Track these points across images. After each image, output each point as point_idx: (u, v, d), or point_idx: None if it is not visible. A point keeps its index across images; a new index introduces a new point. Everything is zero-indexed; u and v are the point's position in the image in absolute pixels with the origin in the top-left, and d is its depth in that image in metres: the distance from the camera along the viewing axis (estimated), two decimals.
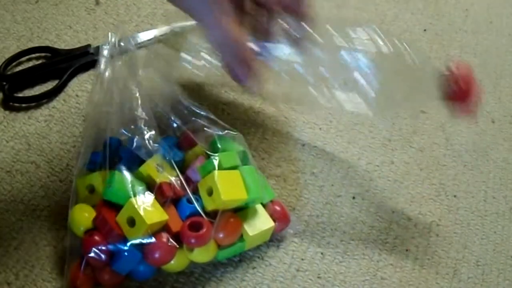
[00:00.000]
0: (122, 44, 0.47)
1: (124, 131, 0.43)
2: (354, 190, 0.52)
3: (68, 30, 0.61)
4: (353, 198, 0.51)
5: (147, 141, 0.43)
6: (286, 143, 0.54)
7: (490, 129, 0.60)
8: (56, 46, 0.58)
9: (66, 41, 0.60)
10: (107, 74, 0.46)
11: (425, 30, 0.69)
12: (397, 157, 0.55)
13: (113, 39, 0.47)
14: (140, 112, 0.44)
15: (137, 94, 0.45)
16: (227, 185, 0.41)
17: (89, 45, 0.58)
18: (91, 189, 0.43)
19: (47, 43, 0.59)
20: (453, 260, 0.49)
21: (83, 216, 0.41)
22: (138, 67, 0.47)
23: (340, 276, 0.46)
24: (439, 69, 0.48)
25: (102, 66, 0.47)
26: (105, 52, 0.47)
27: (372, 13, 0.69)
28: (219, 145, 0.45)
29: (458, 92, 0.47)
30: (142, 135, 0.43)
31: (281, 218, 0.46)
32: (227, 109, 0.55)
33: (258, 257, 0.46)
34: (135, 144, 0.43)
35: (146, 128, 0.44)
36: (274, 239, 0.47)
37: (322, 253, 0.47)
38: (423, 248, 0.49)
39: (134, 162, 0.43)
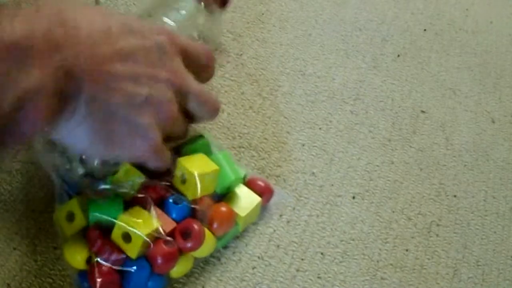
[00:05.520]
0: None
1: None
2: (354, 190, 0.52)
3: None
4: (353, 198, 0.51)
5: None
6: (286, 143, 0.54)
7: (490, 129, 0.60)
8: None
9: None
10: None
11: (425, 30, 0.69)
12: (397, 157, 0.55)
13: None
14: None
15: None
16: (195, 164, 0.42)
17: None
18: (71, 216, 0.41)
19: None
20: (453, 260, 0.49)
21: (79, 249, 0.40)
22: None
23: (340, 276, 0.46)
24: None
25: None
26: None
27: (372, 13, 0.69)
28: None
29: None
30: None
31: (263, 190, 0.47)
32: (227, 109, 0.55)
33: (258, 257, 0.46)
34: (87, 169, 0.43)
35: None
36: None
37: (322, 253, 0.47)
38: (423, 248, 0.49)
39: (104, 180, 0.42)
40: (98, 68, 0.34)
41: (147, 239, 0.39)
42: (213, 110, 0.43)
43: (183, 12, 0.51)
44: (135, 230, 0.38)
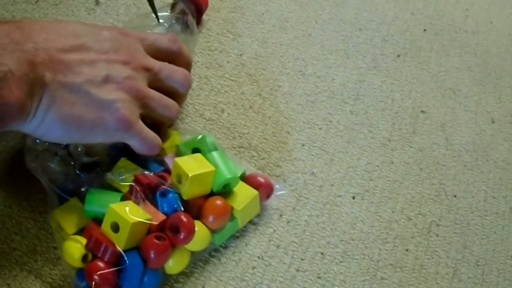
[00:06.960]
0: None
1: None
2: (354, 190, 0.52)
3: None
4: (353, 198, 0.51)
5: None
6: (286, 143, 0.54)
7: (490, 129, 0.60)
8: None
9: None
10: None
11: (425, 30, 0.69)
12: (397, 157, 0.55)
13: None
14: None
15: None
16: (191, 165, 0.42)
17: None
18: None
19: None
20: (453, 260, 0.49)
21: (75, 247, 0.40)
22: None
23: (340, 276, 0.46)
24: None
25: None
26: None
27: (372, 13, 0.69)
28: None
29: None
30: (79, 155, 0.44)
31: (263, 186, 0.47)
32: (227, 109, 0.55)
33: (258, 257, 0.46)
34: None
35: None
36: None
37: (322, 253, 0.47)
38: (423, 248, 0.49)
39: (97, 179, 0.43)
40: (55, 59, 0.38)
41: (134, 229, 0.39)
42: (183, 79, 0.46)
43: (165, 24, 0.52)
44: (122, 216, 0.38)
